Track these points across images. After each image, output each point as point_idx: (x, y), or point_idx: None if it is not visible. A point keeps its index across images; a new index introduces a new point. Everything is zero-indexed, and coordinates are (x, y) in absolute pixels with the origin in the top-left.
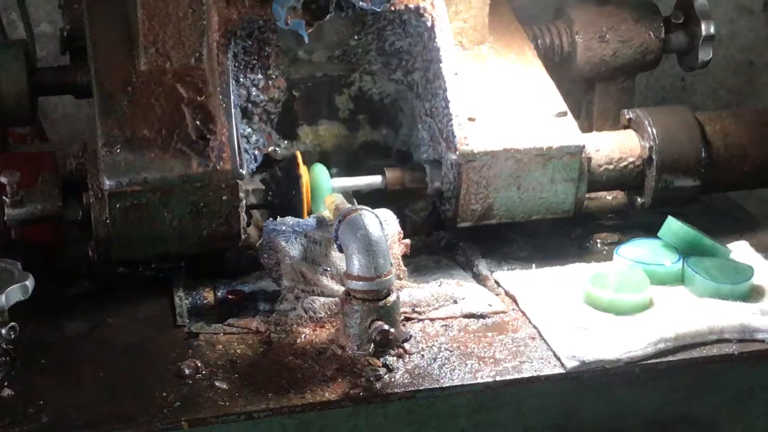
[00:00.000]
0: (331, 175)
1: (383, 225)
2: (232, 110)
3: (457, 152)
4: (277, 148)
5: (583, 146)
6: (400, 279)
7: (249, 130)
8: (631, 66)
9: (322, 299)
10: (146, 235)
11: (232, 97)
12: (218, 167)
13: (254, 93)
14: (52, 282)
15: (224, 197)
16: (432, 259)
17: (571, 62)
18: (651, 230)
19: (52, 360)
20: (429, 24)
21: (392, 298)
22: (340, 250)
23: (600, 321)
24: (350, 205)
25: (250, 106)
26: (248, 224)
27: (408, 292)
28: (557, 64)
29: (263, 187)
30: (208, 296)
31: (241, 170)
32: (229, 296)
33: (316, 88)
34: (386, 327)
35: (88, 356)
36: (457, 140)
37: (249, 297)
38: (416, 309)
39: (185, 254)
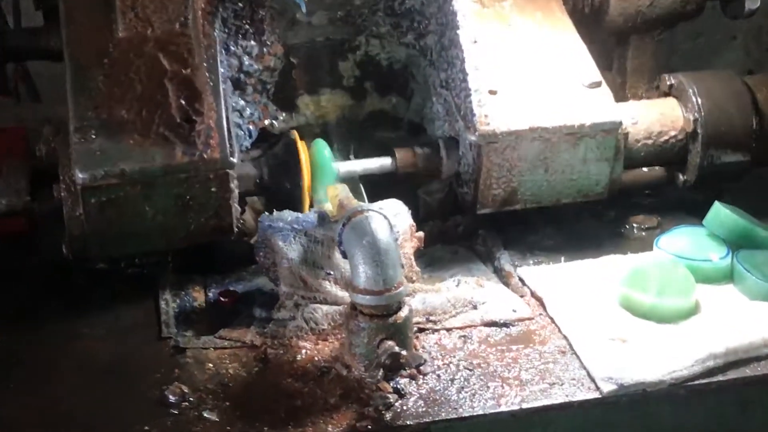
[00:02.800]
0: (336, 151)
1: (393, 221)
2: (220, 88)
3: (477, 133)
4: (274, 122)
5: (620, 122)
6: (413, 281)
7: (242, 102)
8: (669, 17)
9: (325, 308)
10: (126, 231)
11: (221, 72)
12: (205, 155)
13: (247, 62)
14: (23, 282)
15: (213, 189)
16: (448, 249)
17: (603, 13)
18: (694, 211)
19: (18, 380)
20: None
21: (404, 313)
22: (345, 256)
23: (639, 330)
24: (356, 203)
25: (242, 76)
26: (242, 212)
27: (421, 298)
28: (587, 15)
29: (256, 171)
30: (198, 297)
31: (231, 158)
32: (222, 298)
33: (316, 53)
34: (397, 349)
35: (59, 377)
36: (476, 119)
37: (243, 299)
38: (431, 318)
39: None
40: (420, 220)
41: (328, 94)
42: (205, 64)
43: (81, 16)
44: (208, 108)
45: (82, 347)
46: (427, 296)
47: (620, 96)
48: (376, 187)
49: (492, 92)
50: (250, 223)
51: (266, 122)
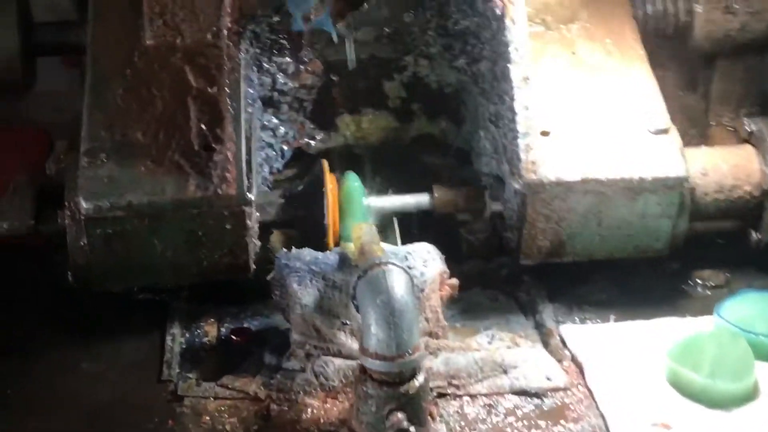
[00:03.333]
0: (375, 178)
1: (422, 268)
2: (242, 117)
3: (522, 181)
4: (311, 141)
5: (686, 177)
6: (438, 337)
7: (275, 121)
8: (762, 42)
9: (338, 362)
10: (133, 265)
11: (245, 96)
12: (220, 191)
13: (281, 80)
14: (26, 303)
15: (227, 226)
16: (487, 294)
17: (688, 35)
18: None
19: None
20: (498, 11)
21: (418, 381)
22: (358, 311)
23: (686, 415)
24: (378, 250)
25: (276, 94)
26: (267, 245)
27: (445, 358)
28: (670, 36)
29: (280, 202)
30: (210, 331)
31: (248, 194)
32: (234, 337)
33: (360, 71)
34: (406, 425)
35: (41, 418)
36: (522, 165)
37: (257, 337)
38: (453, 381)
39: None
40: (461, 258)
41: (371, 115)
42: (227, 90)
43: (110, 16)
44: (227, 137)
45: (75, 384)
46: (451, 356)
47: (702, 123)
48: (414, 218)
49: (544, 133)
50: (278, 249)
51: (303, 141)
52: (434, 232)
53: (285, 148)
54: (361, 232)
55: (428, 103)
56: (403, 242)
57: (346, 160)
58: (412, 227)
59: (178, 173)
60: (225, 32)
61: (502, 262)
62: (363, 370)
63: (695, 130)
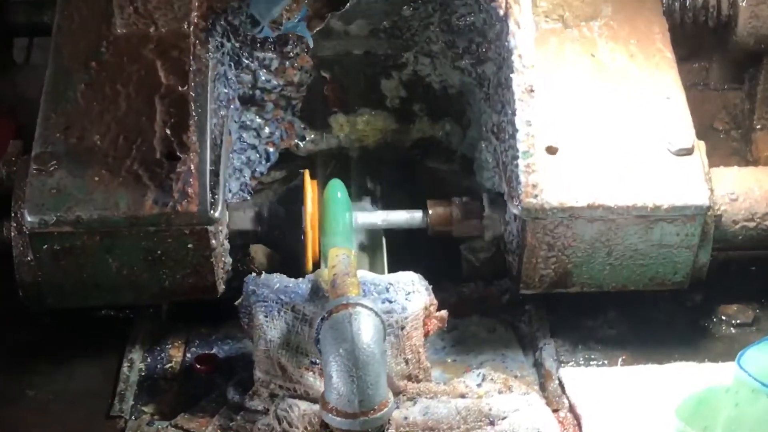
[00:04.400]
0: (368, 186)
1: (404, 302)
2: (208, 124)
3: (520, 205)
4: (299, 142)
5: (708, 207)
6: (419, 380)
7: (259, 120)
8: None
9: (303, 406)
10: (87, 283)
11: (210, 107)
12: (179, 207)
13: (264, 77)
14: None
15: (189, 245)
16: (485, 324)
17: (730, 32)
18: None
19: None
20: (501, 12)
21: None
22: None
23: None
24: (347, 288)
25: (258, 92)
26: (245, 262)
27: (424, 406)
28: (711, 30)
29: (253, 217)
30: (175, 355)
31: (212, 211)
32: (198, 365)
33: (354, 68)
34: None
35: None
36: (521, 188)
37: (223, 366)
38: None
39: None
40: (460, 278)
41: (367, 116)
42: (192, 93)
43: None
44: (193, 146)
45: (16, 415)
46: (431, 404)
47: (747, 126)
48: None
49: (550, 150)
50: (260, 260)
51: (292, 143)
52: (431, 246)
53: (270, 150)
54: (338, 259)
55: (431, 103)
56: (397, 252)
57: (339, 163)
58: (407, 240)
59: (135, 185)
60: (191, 29)
61: (504, 286)
62: (324, 424)
63: (738, 132)
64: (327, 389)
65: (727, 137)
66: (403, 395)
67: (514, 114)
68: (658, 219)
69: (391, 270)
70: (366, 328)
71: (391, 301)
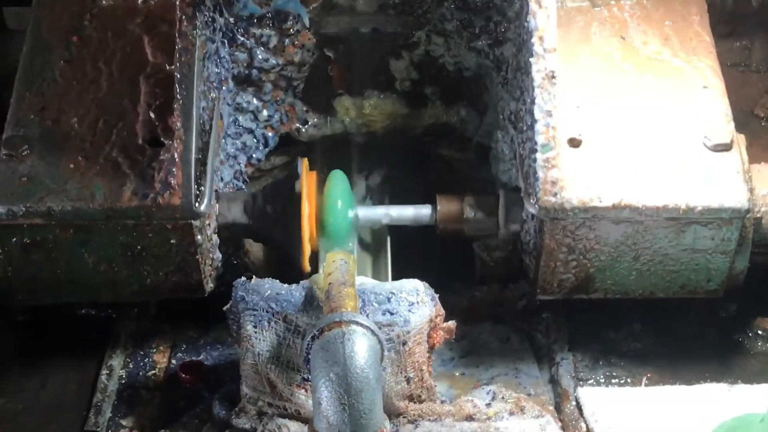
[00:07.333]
0: (374, 176)
1: (407, 314)
2: (195, 108)
3: (538, 204)
4: (301, 126)
5: (747, 210)
6: (421, 401)
7: (256, 102)
8: None
9: (294, 427)
10: (61, 279)
11: (197, 90)
12: (161, 200)
13: (261, 56)
14: None
15: (172, 240)
16: (498, 333)
17: None
18: None
19: None
20: None
21: None
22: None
23: None
24: (343, 301)
25: (254, 72)
26: (239, 256)
27: (425, 430)
28: (753, 8)
29: (243, 211)
30: (160, 361)
31: (197, 205)
32: (182, 374)
33: (360, 47)
34: None
35: None
36: (539, 184)
37: (210, 376)
38: None
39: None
40: (473, 280)
41: (375, 99)
42: (177, 74)
43: None
44: (177, 132)
45: None
46: (434, 428)
47: None
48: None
49: (573, 143)
50: (256, 255)
51: (293, 126)
52: (442, 241)
53: (269, 134)
54: (335, 264)
55: (444, 86)
56: (404, 245)
57: (343, 150)
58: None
59: (114, 174)
60: (177, 2)
61: (520, 289)
62: None
63: None
64: (316, 417)
65: None
66: (404, 417)
67: (533, 102)
68: (691, 222)
69: (397, 267)
70: (360, 349)
71: (392, 313)
